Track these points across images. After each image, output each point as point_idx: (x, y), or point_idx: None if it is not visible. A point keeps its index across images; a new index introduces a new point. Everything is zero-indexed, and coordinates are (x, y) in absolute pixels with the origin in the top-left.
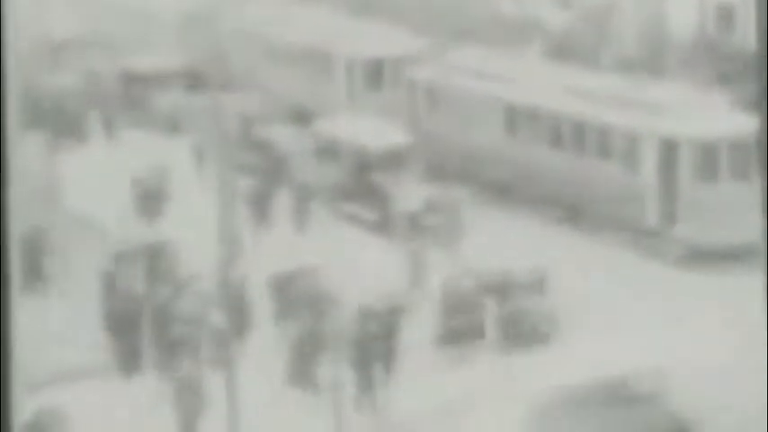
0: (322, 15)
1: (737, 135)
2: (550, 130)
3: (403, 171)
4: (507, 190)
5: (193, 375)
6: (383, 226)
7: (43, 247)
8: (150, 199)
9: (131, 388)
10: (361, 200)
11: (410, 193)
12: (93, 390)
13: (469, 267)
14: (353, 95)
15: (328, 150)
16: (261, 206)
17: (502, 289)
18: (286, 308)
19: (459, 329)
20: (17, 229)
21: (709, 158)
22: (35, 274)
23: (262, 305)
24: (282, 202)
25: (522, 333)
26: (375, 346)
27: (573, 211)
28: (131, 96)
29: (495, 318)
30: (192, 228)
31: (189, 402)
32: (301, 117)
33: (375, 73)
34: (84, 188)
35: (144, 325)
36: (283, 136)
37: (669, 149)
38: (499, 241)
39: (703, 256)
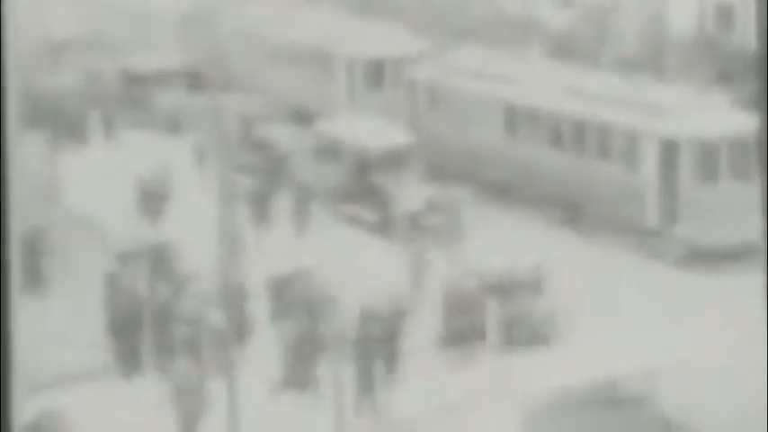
0: (323, 15)
1: (737, 135)
2: (551, 130)
3: (403, 171)
4: (507, 190)
5: (194, 377)
6: (383, 226)
7: (44, 247)
8: (151, 199)
9: (132, 389)
10: (361, 200)
11: (410, 194)
12: (93, 391)
13: (470, 268)
14: (354, 95)
15: (329, 150)
16: (261, 206)
17: (503, 289)
18: (282, 309)
19: (461, 330)
20: (17, 229)
21: (709, 158)
22: (35, 274)
23: (260, 306)
24: (283, 202)
25: (523, 334)
26: (376, 347)
27: (573, 211)
28: (132, 96)
29: (496, 318)
30: (193, 228)
31: (189, 404)
32: (302, 117)
33: (375, 73)
34: (85, 188)
35: (145, 326)
36: (284, 136)
37: (669, 149)
38: (499, 241)
39: (703, 256)
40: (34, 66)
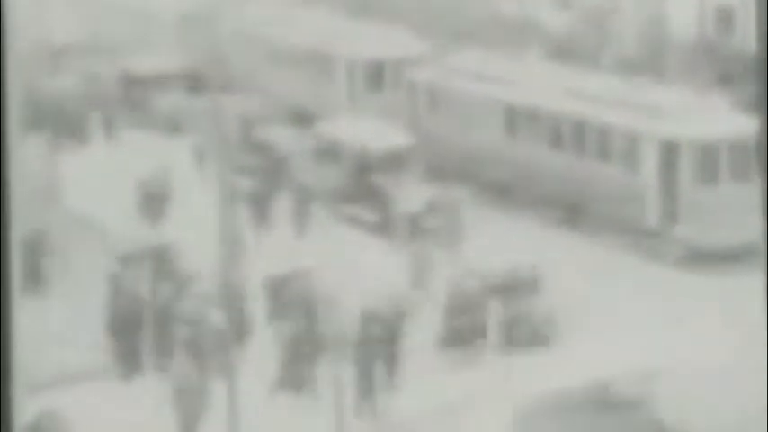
0: (322, 17)
1: (737, 136)
2: (550, 132)
3: (403, 172)
4: (508, 191)
5: (194, 377)
6: (384, 227)
7: (44, 247)
8: (151, 200)
9: (132, 389)
10: (361, 201)
11: (411, 195)
12: (93, 391)
13: (471, 268)
14: (354, 97)
15: (329, 152)
16: (261, 207)
17: (503, 290)
18: (279, 309)
19: (462, 331)
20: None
21: (709, 160)
22: (36, 274)
23: (258, 307)
24: (283, 203)
25: (523, 334)
26: (376, 348)
27: (573, 212)
28: (132, 98)
29: (497, 319)
30: (193, 229)
31: (189, 404)
32: (302, 119)
33: (376, 75)
34: (85, 190)
35: (145, 326)
36: (284, 137)
37: (669, 151)
38: (499, 242)
39: (703, 257)
40: (35, 68)
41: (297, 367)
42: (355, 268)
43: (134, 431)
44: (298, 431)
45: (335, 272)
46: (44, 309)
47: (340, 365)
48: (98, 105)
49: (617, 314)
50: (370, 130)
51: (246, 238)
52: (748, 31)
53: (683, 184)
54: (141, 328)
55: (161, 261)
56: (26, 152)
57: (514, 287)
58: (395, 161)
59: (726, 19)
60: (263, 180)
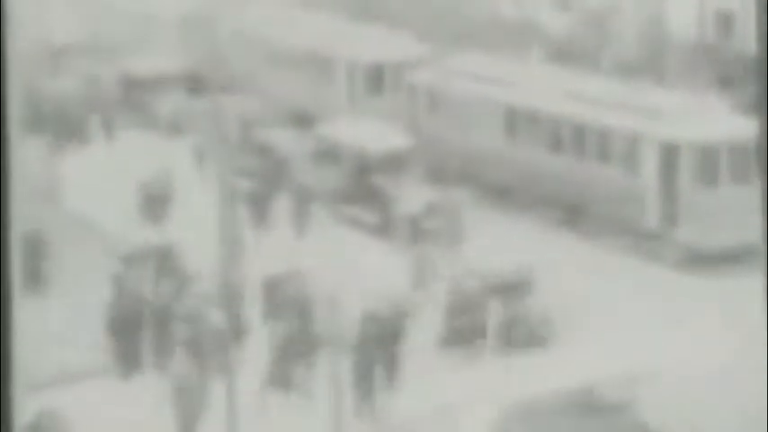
0: (323, 19)
1: (737, 138)
2: (550, 134)
3: (403, 174)
4: (508, 193)
5: (193, 376)
6: (384, 229)
7: (44, 248)
8: (152, 201)
9: (132, 389)
10: (361, 203)
11: (411, 196)
12: (93, 391)
13: (471, 269)
14: (354, 99)
15: (329, 153)
16: (261, 208)
17: (503, 291)
18: (273, 310)
19: (461, 332)
20: (18, 230)
21: (709, 162)
22: (36, 275)
23: (256, 307)
24: (283, 204)
25: (523, 335)
26: (376, 349)
27: (573, 213)
28: (132, 99)
29: (497, 320)
30: (193, 229)
31: (189, 403)
32: (302, 120)
33: (376, 77)
34: (86, 190)
35: (145, 326)
36: (284, 139)
37: (669, 153)
38: (500, 243)
39: (703, 259)
40: (35, 68)
41: (287, 367)
42: (355, 269)
43: (134, 430)
44: (296, 431)
45: (335, 273)
46: (44, 309)
47: (339, 366)
48: (98, 106)
49: (617, 315)
50: (370, 132)
51: (246, 238)
52: (748, 32)
53: (683, 185)
54: (141, 328)
55: (163, 261)
56: (26, 153)
57: (514, 288)
58: (395, 163)
59: (725, 21)
60: (262, 181)
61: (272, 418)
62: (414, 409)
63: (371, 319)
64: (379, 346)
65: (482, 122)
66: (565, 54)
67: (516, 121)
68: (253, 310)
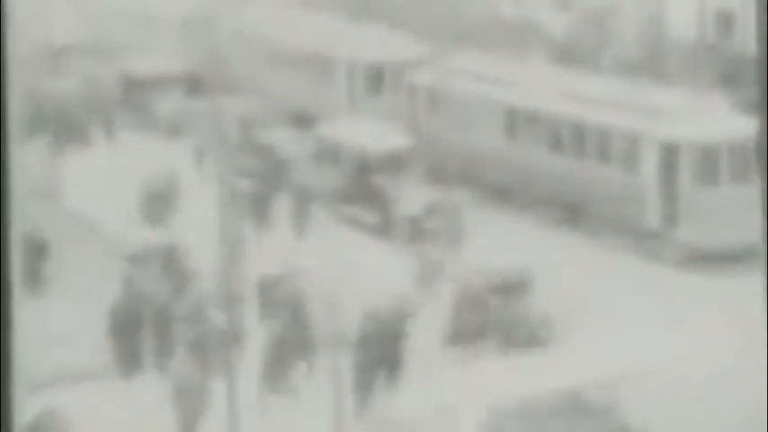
0: (322, 19)
1: (737, 138)
2: (550, 133)
3: (403, 174)
4: (508, 193)
5: (194, 376)
6: (384, 229)
7: (44, 248)
8: (153, 202)
9: (132, 389)
10: (361, 203)
11: (411, 197)
12: (93, 391)
13: (471, 269)
14: (354, 99)
15: (329, 154)
16: (261, 209)
17: (503, 290)
18: (269, 310)
19: (463, 332)
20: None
21: (709, 161)
22: (36, 275)
23: (255, 307)
24: (283, 204)
25: (523, 335)
26: (377, 349)
27: (573, 213)
28: (132, 100)
29: (498, 319)
30: (193, 230)
31: (189, 404)
32: (302, 120)
33: (376, 77)
34: (86, 191)
35: (145, 326)
36: (284, 139)
37: (669, 152)
38: (500, 243)
39: (704, 259)
40: (35, 69)
41: (282, 368)
42: (355, 269)
43: (134, 430)
44: (297, 431)
45: (335, 273)
46: (44, 309)
47: (339, 366)
48: (98, 106)
49: (617, 315)
50: (369, 132)
51: (246, 238)
52: (748, 32)
53: (683, 185)
54: (142, 328)
55: (168, 261)
56: (27, 154)
57: (515, 288)
58: (395, 163)
59: (726, 20)
60: (262, 181)
61: (273, 418)
62: (414, 409)
63: (371, 319)
64: (380, 345)
65: (482, 122)
66: (565, 54)
67: (516, 120)
68: (253, 311)
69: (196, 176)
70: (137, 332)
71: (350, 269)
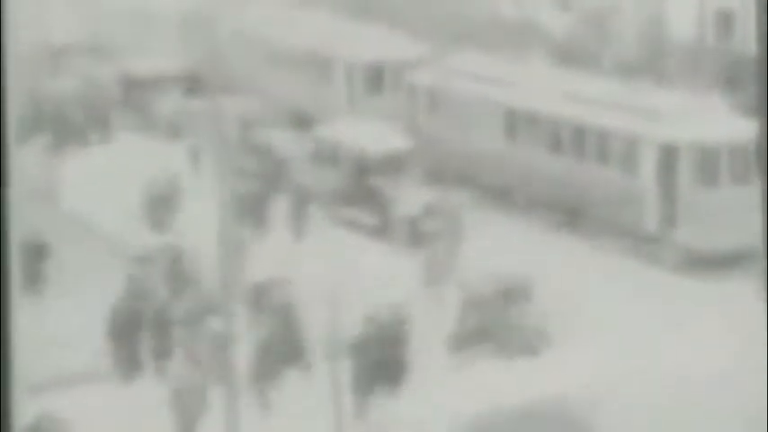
0: (322, 19)
1: (737, 139)
2: (550, 135)
3: (403, 175)
4: (507, 194)
5: (193, 379)
6: (383, 230)
7: (44, 250)
8: (155, 203)
9: (131, 392)
10: (360, 204)
11: (410, 198)
12: (93, 393)
13: (470, 271)
14: (353, 100)
15: (328, 154)
16: (260, 210)
17: (502, 293)
18: (260, 314)
19: (462, 335)
20: (17, 232)
21: (708, 163)
22: (35, 277)
23: (254, 309)
24: (281, 206)
25: (522, 338)
26: (376, 351)
27: (572, 215)
28: (131, 100)
29: (497, 323)
30: (191, 231)
31: (188, 406)
32: (301, 121)
33: (375, 77)
34: (85, 192)
35: (144, 328)
36: (283, 140)
37: (668, 154)
38: (499, 245)
39: (703, 261)
40: (35, 69)
41: (270, 372)
42: (354, 271)
43: None
44: None
45: (334, 274)
46: (44, 311)
47: (339, 369)
48: (97, 107)
49: (615, 318)
50: (369, 133)
51: (245, 240)
52: (748, 33)
53: (683, 187)
54: (141, 330)
55: (173, 263)
56: (26, 154)
57: (514, 291)
58: (394, 164)
59: (726, 21)
60: (261, 182)
61: (273, 420)
62: (414, 412)
63: (371, 321)
64: (379, 348)
65: (482, 123)
66: (565, 54)
67: (516, 121)
68: (249, 313)
69: (194, 177)
70: (136, 334)
71: (348, 270)
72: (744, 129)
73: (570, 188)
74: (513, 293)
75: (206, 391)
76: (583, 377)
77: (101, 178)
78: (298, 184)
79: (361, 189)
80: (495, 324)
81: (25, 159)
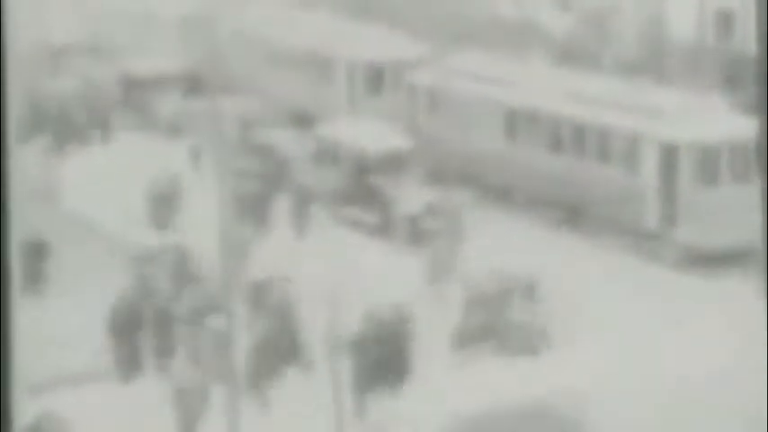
0: (322, 19)
1: (737, 138)
2: (550, 134)
3: (403, 175)
4: (508, 193)
5: (194, 378)
6: (384, 230)
7: (44, 249)
8: (157, 202)
9: (132, 391)
10: (361, 204)
11: (411, 197)
12: (93, 393)
13: (471, 270)
14: (354, 99)
15: (329, 154)
16: (261, 209)
17: (503, 292)
18: (258, 313)
19: (464, 333)
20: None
21: (709, 161)
22: (36, 276)
23: (254, 308)
24: (282, 205)
25: (523, 337)
26: (377, 350)
27: (573, 214)
28: (131, 100)
29: (498, 321)
30: (192, 231)
31: (190, 405)
32: (302, 121)
33: (376, 77)
34: (85, 191)
35: (145, 327)
36: (283, 140)
37: (669, 152)
38: (500, 244)
39: (703, 259)
40: (35, 69)
41: (266, 371)
42: (355, 270)
43: None
44: None
45: (335, 273)
46: (44, 310)
47: (339, 368)
48: (97, 107)
49: (616, 316)
50: (369, 133)
51: (246, 239)
52: (748, 32)
53: (683, 185)
54: (142, 329)
55: (178, 263)
56: (26, 154)
57: (514, 289)
58: (394, 163)
59: (726, 20)
60: (262, 182)
61: (274, 419)
62: (414, 412)
63: (371, 320)
64: (380, 347)
65: (482, 123)
66: (565, 54)
67: (516, 121)
68: (249, 312)
69: (195, 177)
70: (137, 333)
71: (350, 269)
72: (744, 127)
73: (571, 187)
74: (514, 292)
75: (207, 390)
76: (583, 375)
77: (101, 178)
78: (298, 183)
79: (362, 188)
80: (497, 322)
81: (25, 159)
